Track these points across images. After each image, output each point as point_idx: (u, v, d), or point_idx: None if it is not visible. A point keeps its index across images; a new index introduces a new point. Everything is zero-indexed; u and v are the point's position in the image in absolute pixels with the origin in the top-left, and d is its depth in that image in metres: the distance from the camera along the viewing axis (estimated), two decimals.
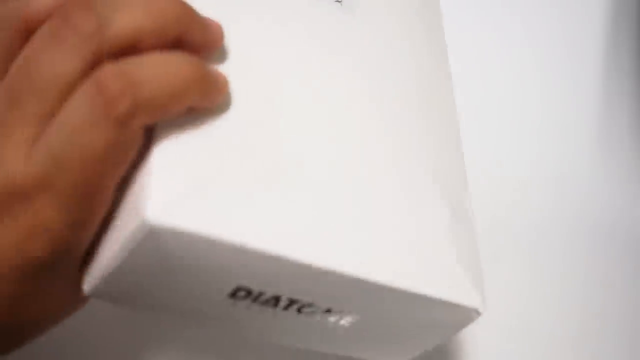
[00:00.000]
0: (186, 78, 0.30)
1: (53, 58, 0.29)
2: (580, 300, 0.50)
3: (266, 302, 0.32)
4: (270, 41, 0.35)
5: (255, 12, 0.35)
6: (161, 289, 0.31)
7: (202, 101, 0.31)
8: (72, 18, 0.29)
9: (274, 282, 0.31)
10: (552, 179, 0.54)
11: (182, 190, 0.29)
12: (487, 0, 0.60)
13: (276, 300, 0.32)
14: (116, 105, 0.28)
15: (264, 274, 0.31)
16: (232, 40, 0.34)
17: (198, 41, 0.32)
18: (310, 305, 0.33)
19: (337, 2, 0.38)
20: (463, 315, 0.34)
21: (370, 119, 0.35)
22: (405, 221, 0.34)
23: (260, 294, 0.32)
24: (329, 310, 0.33)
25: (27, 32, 0.31)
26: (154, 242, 0.29)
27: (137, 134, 0.29)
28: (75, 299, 0.32)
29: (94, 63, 0.29)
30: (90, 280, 0.31)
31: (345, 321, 0.34)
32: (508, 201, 0.53)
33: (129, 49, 0.30)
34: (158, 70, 0.29)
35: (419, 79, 0.38)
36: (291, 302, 0.32)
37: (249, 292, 0.31)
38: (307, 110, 0.34)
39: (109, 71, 0.29)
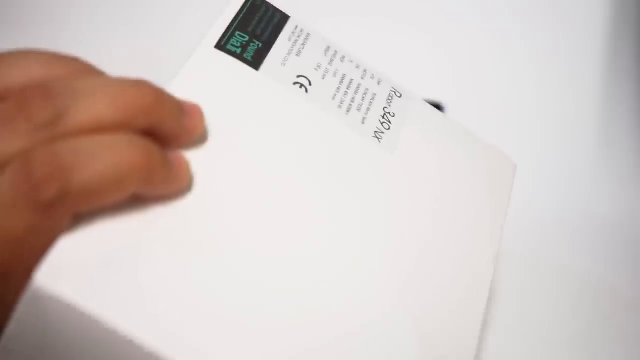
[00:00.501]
0: (129, 164, 0.27)
1: None
2: (581, 300, 0.50)
3: None
4: (278, 153, 0.33)
5: (281, 133, 0.34)
6: None
7: (152, 190, 0.29)
8: (28, 106, 0.27)
9: None
10: (552, 179, 0.55)
11: (87, 262, 0.27)
12: (487, 0, 0.60)
13: None
14: (41, 190, 0.26)
15: None
16: (240, 151, 0.32)
17: (171, 132, 0.30)
18: None
19: (375, 139, 0.36)
20: None
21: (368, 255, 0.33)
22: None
23: None
24: None
25: None
26: (37, 306, 0.27)
27: (65, 220, 0.27)
28: None
29: None
30: None
31: None
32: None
33: None
34: (96, 154, 0.27)
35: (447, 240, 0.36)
36: None
37: None
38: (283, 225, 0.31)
39: (40, 152, 0.27)
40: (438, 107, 0.53)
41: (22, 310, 0.27)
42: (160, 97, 0.29)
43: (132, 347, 0.27)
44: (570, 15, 0.61)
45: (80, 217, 0.28)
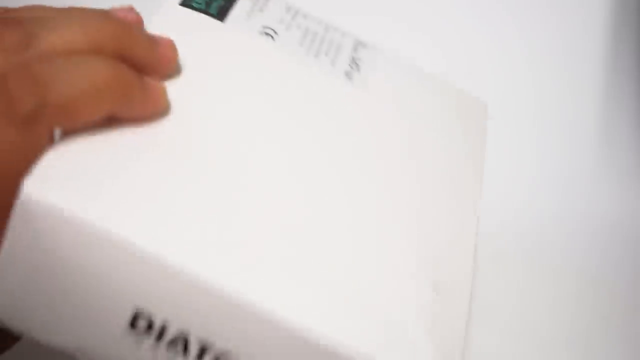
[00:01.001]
0: (104, 80, 0.28)
1: None
2: (581, 300, 0.50)
3: (173, 344, 0.26)
4: (252, 99, 0.33)
5: (253, 75, 0.34)
6: (51, 304, 0.26)
7: (128, 110, 0.29)
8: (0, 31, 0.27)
9: (176, 307, 0.26)
10: (553, 179, 0.54)
11: (76, 173, 0.27)
12: (487, 0, 0.60)
13: (185, 343, 0.26)
14: (18, 104, 0.26)
15: (162, 292, 0.26)
16: (216, 90, 0.32)
17: (142, 59, 0.30)
18: (227, 353, 0.27)
19: (347, 79, 0.36)
20: None
21: (360, 180, 0.33)
22: (370, 282, 0.29)
23: (163, 329, 0.26)
24: None
25: None
26: (29, 220, 0.26)
27: (45, 135, 0.27)
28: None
29: None
30: None
31: None
32: (509, 202, 0.53)
33: None
34: (71, 70, 0.27)
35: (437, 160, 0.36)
36: (203, 349, 0.26)
37: (150, 325, 0.26)
38: (274, 159, 0.31)
39: (15, 70, 0.27)
40: None
41: (13, 225, 0.26)
42: (130, 25, 0.30)
43: (125, 251, 0.26)
44: (570, 15, 0.61)
45: (62, 138, 0.27)
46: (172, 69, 0.31)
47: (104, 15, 0.30)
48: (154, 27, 0.33)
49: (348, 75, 0.36)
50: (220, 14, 0.36)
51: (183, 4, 0.35)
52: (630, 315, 0.50)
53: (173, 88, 0.31)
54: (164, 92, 0.30)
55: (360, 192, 0.32)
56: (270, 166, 0.31)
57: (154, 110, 0.30)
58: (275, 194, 0.30)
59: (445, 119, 0.38)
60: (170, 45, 0.31)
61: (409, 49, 0.57)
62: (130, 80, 0.29)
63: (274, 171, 0.31)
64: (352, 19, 0.58)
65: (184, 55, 0.33)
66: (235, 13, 0.36)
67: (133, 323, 0.26)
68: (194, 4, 0.36)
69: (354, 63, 0.37)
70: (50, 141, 0.27)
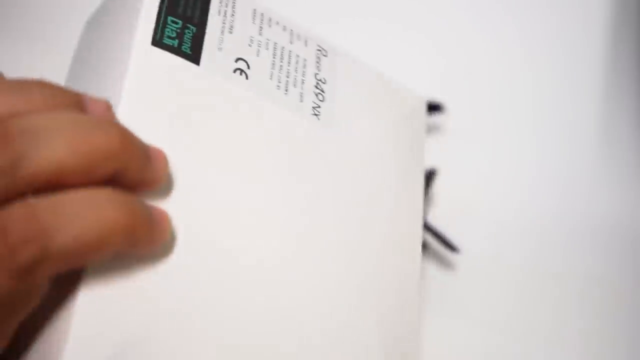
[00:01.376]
0: (111, 223, 0.26)
1: None
2: (580, 300, 0.50)
3: None
4: (228, 153, 0.33)
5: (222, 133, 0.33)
6: None
7: (134, 248, 0.27)
8: None
9: None
10: (552, 179, 0.54)
11: (100, 353, 0.26)
12: (487, 0, 0.60)
13: None
14: (20, 253, 0.25)
15: None
16: (188, 170, 0.31)
17: (136, 178, 0.28)
18: None
19: (314, 116, 0.37)
20: None
21: (320, 246, 0.34)
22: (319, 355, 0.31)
23: None
24: None
25: None
26: None
27: (43, 283, 0.26)
28: None
29: (5, 202, 0.25)
30: None
31: None
32: (509, 202, 0.53)
33: (51, 187, 0.26)
34: (77, 213, 0.26)
35: (382, 208, 0.37)
36: None
37: None
38: (261, 252, 0.32)
39: (17, 213, 0.25)
40: (437, 107, 0.53)
41: None
42: (126, 140, 0.27)
43: None
44: (570, 15, 0.61)
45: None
46: (162, 184, 0.30)
47: (102, 126, 0.27)
48: (130, 81, 0.31)
49: (315, 111, 0.37)
50: (195, 50, 0.34)
51: (155, 44, 0.33)
52: (631, 315, 0.50)
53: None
54: (169, 224, 0.29)
55: (331, 264, 0.34)
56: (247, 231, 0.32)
57: (160, 245, 0.29)
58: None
59: (392, 129, 0.40)
60: (163, 159, 0.29)
61: (407, 50, 0.57)
62: (141, 220, 0.27)
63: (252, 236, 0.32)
64: (351, 22, 0.58)
65: (165, 123, 0.32)
66: (208, 44, 0.35)
67: None
68: (167, 41, 0.34)
69: (319, 89, 0.37)
70: (47, 285, 0.26)
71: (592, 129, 0.57)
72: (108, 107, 0.29)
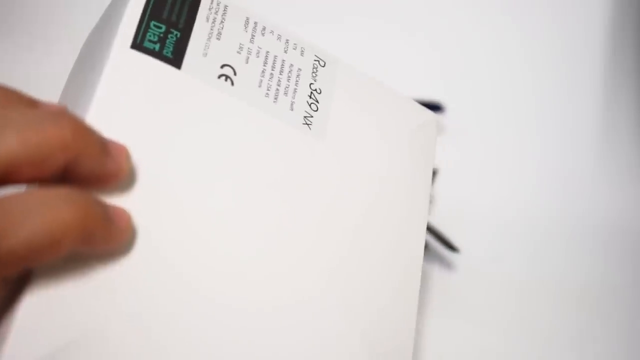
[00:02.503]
0: (63, 224, 0.25)
1: None
2: (580, 300, 0.50)
3: None
4: (210, 163, 0.32)
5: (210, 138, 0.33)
6: None
7: (90, 247, 0.27)
8: None
9: None
10: (552, 179, 0.54)
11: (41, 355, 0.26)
12: (487, 0, 0.60)
13: None
14: None
15: None
16: (172, 166, 0.31)
17: (92, 171, 0.27)
18: None
19: (305, 125, 0.35)
20: None
21: (310, 252, 0.33)
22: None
23: None
24: None
25: None
26: None
27: None
28: None
29: None
30: None
31: None
32: (509, 202, 0.53)
33: (2, 180, 0.25)
34: (27, 214, 0.25)
35: (379, 222, 0.36)
36: None
37: None
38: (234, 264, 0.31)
39: None
40: (437, 107, 0.53)
41: None
42: (79, 131, 0.27)
43: None
44: (570, 15, 0.61)
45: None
46: (124, 179, 0.29)
47: (54, 118, 0.27)
48: (105, 84, 0.31)
49: (307, 121, 0.35)
50: (177, 54, 0.33)
51: (135, 47, 0.32)
52: (631, 315, 0.50)
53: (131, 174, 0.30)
54: (129, 225, 0.28)
55: (307, 264, 0.33)
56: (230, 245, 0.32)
57: (118, 245, 0.28)
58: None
59: (397, 145, 0.38)
60: (122, 154, 0.28)
61: (407, 50, 0.57)
62: (94, 218, 0.26)
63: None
64: (350, 22, 0.58)
65: (139, 124, 0.31)
66: (192, 49, 0.34)
67: None
68: (148, 45, 0.33)
69: (312, 97, 0.36)
70: (2, 286, 0.26)
71: (592, 129, 0.57)
72: (63, 108, 0.29)
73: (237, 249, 0.32)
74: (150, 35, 0.33)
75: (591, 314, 0.50)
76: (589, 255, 0.52)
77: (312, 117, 0.35)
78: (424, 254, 0.49)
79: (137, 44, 0.32)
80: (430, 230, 0.48)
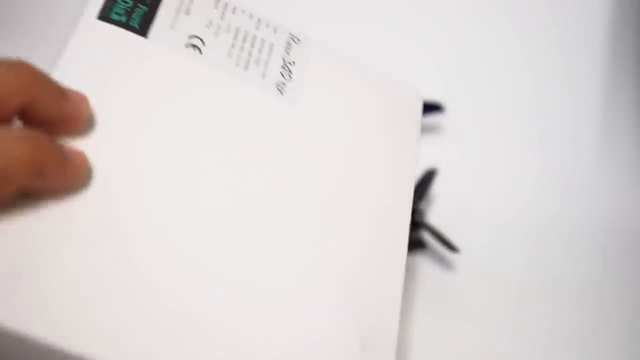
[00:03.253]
0: (14, 158, 0.26)
1: None
2: (581, 300, 0.50)
3: None
4: (179, 126, 0.32)
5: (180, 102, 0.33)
6: None
7: (43, 183, 0.27)
8: None
9: None
10: (552, 179, 0.54)
11: None
12: (488, 1, 0.60)
13: None
14: None
15: None
16: (138, 119, 0.32)
17: (50, 114, 0.28)
18: None
19: (277, 91, 0.35)
20: None
21: (285, 224, 0.33)
22: (296, 340, 0.31)
23: None
24: None
25: None
26: None
27: None
28: None
29: None
30: None
31: None
32: (509, 202, 0.53)
33: None
34: None
35: (365, 187, 0.36)
36: None
37: None
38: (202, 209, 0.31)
39: None
40: (437, 107, 0.53)
41: None
42: (36, 76, 0.27)
43: (52, 353, 0.27)
44: (570, 15, 0.61)
45: None
46: (82, 125, 0.29)
47: (11, 65, 0.27)
48: (70, 50, 0.32)
49: (279, 87, 0.36)
50: (143, 25, 0.34)
51: (101, 18, 0.33)
52: (631, 314, 0.50)
53: (91, 138, 0.30)
54: (85, 163, 0.28)
55: (287, 237, 0.33)
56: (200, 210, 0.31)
57: (73, 183, 0.28)
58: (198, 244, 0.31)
59: (378, 118, 0.38)
60: (81, 101, 0.29)
61: (407, 50, 0.57)
62: (46, 154, 0.27)
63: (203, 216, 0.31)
64: (349, 24, 0.58)
65: (102, 88, 0.32)
66: (159, 22, 0.34)
67: None
68: (114, 17, 0.34)
69: (286, 68, 0.36)
70: None
71: (592, 129, 0.57)
72: (22, 60, 0.29)
73: (200, 197, 0.31)
74: (117, 9, 0.34)
75: (591, 313, 0.50)
76: (588, 255, 0.52)
77: (284, 84, 0.36)
78: (424, 254, 0.49)
79: (104, 16, 0.33)
80: (430, 230, 0.48)
